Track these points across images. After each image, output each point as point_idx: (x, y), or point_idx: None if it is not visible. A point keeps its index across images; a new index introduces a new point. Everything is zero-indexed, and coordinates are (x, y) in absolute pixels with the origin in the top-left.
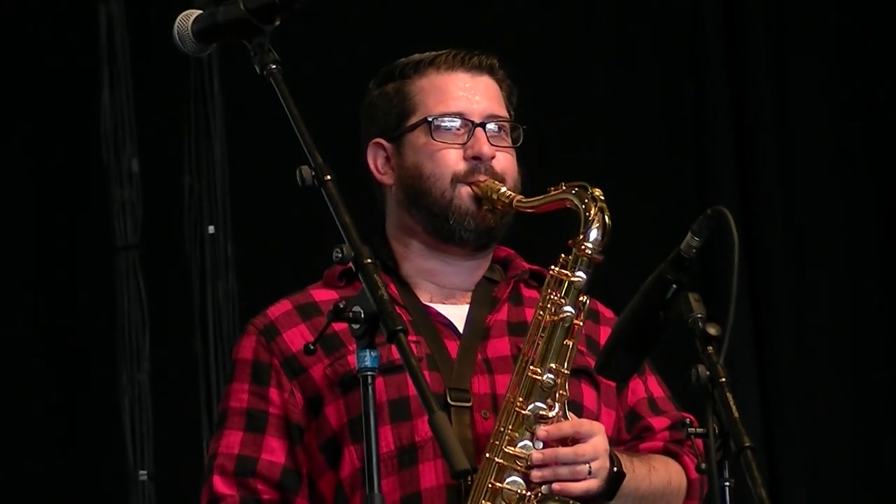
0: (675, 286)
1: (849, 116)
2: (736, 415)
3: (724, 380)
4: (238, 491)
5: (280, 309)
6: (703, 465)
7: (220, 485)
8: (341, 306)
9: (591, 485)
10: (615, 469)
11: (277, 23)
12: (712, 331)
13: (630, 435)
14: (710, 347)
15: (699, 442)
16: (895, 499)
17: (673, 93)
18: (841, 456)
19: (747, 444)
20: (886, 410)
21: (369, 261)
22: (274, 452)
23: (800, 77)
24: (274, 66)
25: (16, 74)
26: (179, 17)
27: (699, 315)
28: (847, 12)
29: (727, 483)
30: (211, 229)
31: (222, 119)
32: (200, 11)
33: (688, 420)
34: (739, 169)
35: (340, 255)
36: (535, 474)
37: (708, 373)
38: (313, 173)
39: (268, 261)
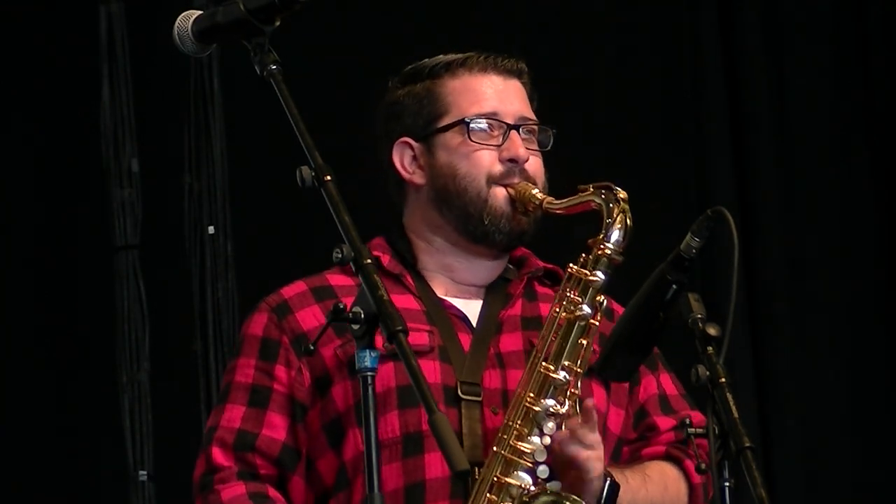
0: (674, 286)
1: (847, 117)
2: (736, 415)
3: (723, 380)
4: (236, 464)
5: (294, 289)
6: (704, 466)
7: (219, 456)
8: (341, 307)
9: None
10: (608, 479)
11: (277, 23)
12: (712, 331)
13: (636, 433)
14: (710, 348)
15: (704, 442)
16: (892, 500)
17: (671, 93)
18: (838, 457)
19: (747, 445)
20: (884, 411)
21: (369, 261)
22: (275, 429)
23: (798, 78)
24: (274, 67)
25: (16, 74)
26: (179, 18)
27: (699, 315)
28: (846, 12)
29: (727, 483)
30: (211, 229)
31: (222, 119)
32: (200, 12)
33: (687, 420)
34: (737, 170)
35: (340, 256)
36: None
37: (708, 373)
38: (313, 173)
39: (268, 261)
